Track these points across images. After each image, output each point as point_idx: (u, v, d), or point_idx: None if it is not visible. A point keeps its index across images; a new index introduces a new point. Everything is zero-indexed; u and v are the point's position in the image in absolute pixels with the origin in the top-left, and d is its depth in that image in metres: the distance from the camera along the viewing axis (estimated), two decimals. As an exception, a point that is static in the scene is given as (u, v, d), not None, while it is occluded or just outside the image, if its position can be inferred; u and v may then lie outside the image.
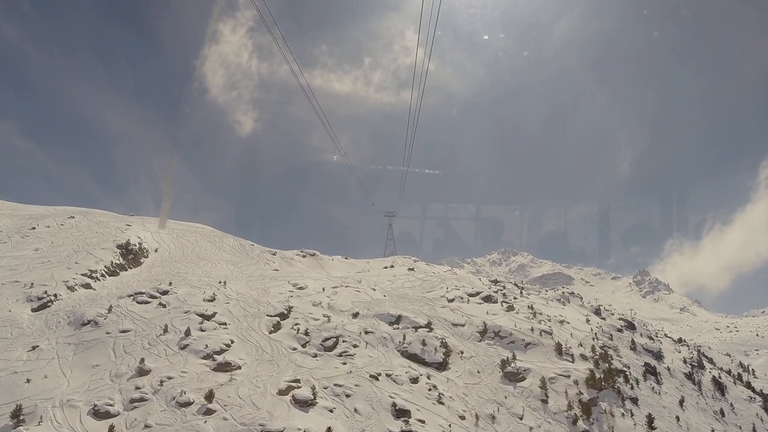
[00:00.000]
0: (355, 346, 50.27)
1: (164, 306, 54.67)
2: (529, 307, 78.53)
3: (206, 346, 45.28)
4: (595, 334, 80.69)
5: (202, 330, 48.97)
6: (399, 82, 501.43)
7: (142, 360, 42.80)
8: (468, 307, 72.14)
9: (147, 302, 55.59)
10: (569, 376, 58.76)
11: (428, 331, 56.99)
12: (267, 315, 54.49)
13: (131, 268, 75.69)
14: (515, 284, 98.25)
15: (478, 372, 54.83)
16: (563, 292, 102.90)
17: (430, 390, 45.75)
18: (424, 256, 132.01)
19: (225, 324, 51.21)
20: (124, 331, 49.24)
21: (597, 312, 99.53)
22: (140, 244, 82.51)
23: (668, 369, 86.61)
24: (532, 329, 67.55)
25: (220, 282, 65.56)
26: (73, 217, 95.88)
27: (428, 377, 48.61)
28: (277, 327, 52.51)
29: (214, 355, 44.21)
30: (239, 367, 43.28)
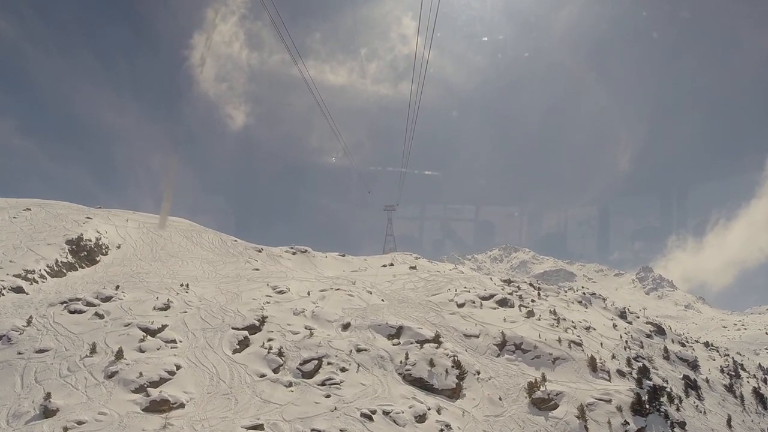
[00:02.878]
0: (343, 369, 38.55)
1: (101, 317, 43.03)
2: (551, 311, 67.08)
3: (140, 374, 33.63)
4: (626, 342, 69.66)
5: (140, 350, 37.28)
6: (396, 73, 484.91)
7: (48, 395, 31.21)
8: (481, 313, 60.65)
9: (81, 311, 43.97)
10: (610, 401, 47.33)
11: (436, 347, 45.37)
12: (233, 328, 42.82)
13: (83, 268, 64.08)
14: (531, 284, 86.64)
15: (500, 399, 43.36)
16: (584, 293, 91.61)
17: (441, 431, 34.24)
18: (424, 253, 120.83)
19: (174, 342, 39.50)
20: (41, 351, 37.69)
21: (622, 315, 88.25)
22: (98, 239, 70.82)
23: (707, 381, 75.81)
24: (559, 340, 56.10)
25: (182, 285, 53.87)
26: (30, 209, 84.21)
27: (438, 411, 37.07)
28: (243, 345, 40.80)
29: (149, 388, 32.58)
30: (181, 405, 31.66)
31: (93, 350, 37.15)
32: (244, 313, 46.20)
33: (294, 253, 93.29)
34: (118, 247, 74.07)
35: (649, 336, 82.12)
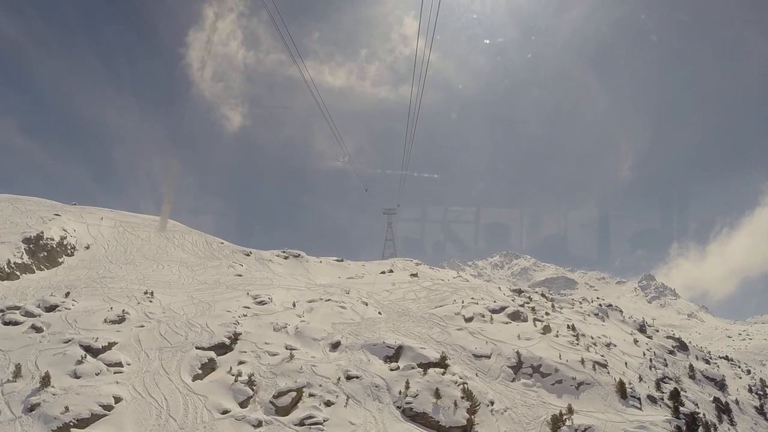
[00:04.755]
0: (328, 403, 31.07)
1: (39, 330, 35.63)
2: (569, 326, 59.69)
3: (66, 408, 26.18)
4: (650, 360, 62.19)
5: (75, 376, 29.84)
6: (397, 76, 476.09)
7: (-61, 440, 23.87)
8: (492, 329, 53.21)
9: (17, 323, 36.58)
10: (647, 436, 39.90)
11: (442, 372, 37.84)
12: (196, 347, 35.32)
13: (42, 270, 56.74)
14: (543, 295, 79.20)
15: (519, 437, 35.97)
16: (600, 305, 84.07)
17: (451, 486, 26.81)
18: (424, 258, 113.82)
19: (120, 364, 32.04)
20: (-46, 374, 30.34)
21: (641, 329, 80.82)
22: (63, 238, 63.49)
23: (737, 402, 68.43)
24: (582, 361, 48.70)
25: (146, 292, 46.40)
26: (-4, 205, 77.09)
27: (446, 457, 29.65)
28: (208, 369, 33.30)
29: (74, 428, 25.16)
30: (113, 455, 24.31)
31: (17, 373, 29.74)
32: (213, 328, 38.69)
33: (286, 258, 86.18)
34: (87, 247, 66.76)
35: (671, 352, 74.83)
